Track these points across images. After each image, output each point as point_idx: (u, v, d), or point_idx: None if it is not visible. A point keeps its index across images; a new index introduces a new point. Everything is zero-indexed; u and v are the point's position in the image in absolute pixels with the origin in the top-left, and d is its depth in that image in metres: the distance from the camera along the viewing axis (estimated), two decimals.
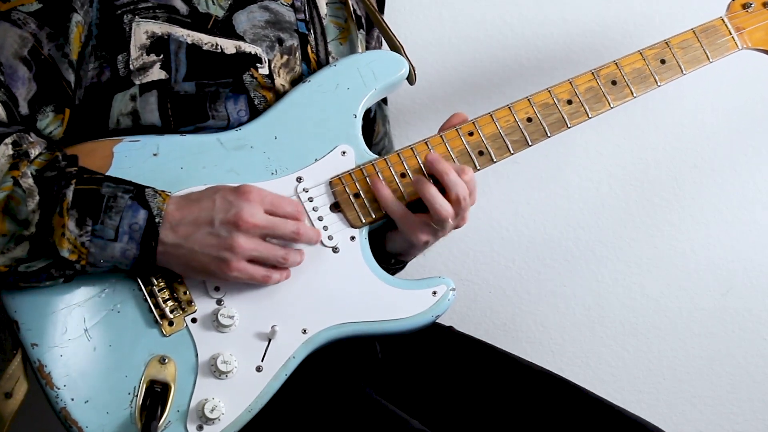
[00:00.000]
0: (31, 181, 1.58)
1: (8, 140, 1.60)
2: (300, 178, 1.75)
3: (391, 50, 1.93)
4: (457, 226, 1.80)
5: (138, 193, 1.62)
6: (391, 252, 1.88)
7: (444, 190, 1.75)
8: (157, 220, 1.61)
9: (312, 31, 1.88)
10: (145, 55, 1.70)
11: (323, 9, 1.93)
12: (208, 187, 1.68)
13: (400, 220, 1.77)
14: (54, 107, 1.68)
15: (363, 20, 2.03)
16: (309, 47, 1.86)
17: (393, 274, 1.90)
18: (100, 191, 1.60)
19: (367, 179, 1.77)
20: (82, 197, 1.59)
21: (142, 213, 1.61)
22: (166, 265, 1.65)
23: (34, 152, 1.61)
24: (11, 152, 1.59)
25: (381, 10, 2.11)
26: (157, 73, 1.71)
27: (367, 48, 2.05)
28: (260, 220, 1.63)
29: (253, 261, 1.65)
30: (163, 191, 1.65)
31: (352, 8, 1.99)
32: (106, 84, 1.70)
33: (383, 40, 2.05)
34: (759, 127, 2.48)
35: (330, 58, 1.91)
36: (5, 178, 1.57)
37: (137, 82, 1.70)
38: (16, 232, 1.57)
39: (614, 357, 2.55)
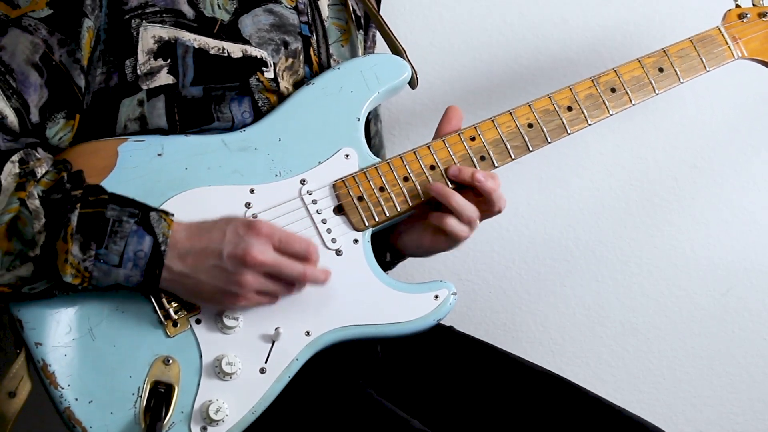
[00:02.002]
0: (37, 202, 1.57)
1: (15, 158, 1.59)
2: (304, 181, 1.75)
3: (393, 54, 1.93)
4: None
5: (143, 217, 1.61)
6: (402, 250, 1.90)
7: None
8: (162, 248, 1.61)
9: (314, 33, 1.88)
10: (152, 59, 1.70)
11: (325, 11, 1.93)
12: (222, 217, 1.66)
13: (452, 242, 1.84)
14: (65, 113, 1.68)
15: (362, 20, 2.03)
16: (311, 50, 1.87)
17: (387, 269, 1.91)
18: (105, 214, 1.60)
19: (366, 174, 1.78)
20: (86, 221, 1.58)
21: (148, 240, 1.60)
22: (171, 290, 1.64)
23: (40, 171, 1.60)
24: (18, 171, 1.58)
25: (377, 6, 2.12)
26: (164, 78, 1.71)
27: (364, 49, 2.05)
28: (268, 258, 1.62)
29: (259, 292, 1.66)
30: (167, 215, 1.64)
31: (351, 9, 1.99)
32: (113, 89, 1.70)
33: (378, 41, 2.05)
34: (759, 127, 2.48)
35: (332, 61, 1.91)
36: (12, 199, 1.57)
37: (145, 87, 1.70)
38: (22, 250, 1.56)
39: (614, 357, 2.55)
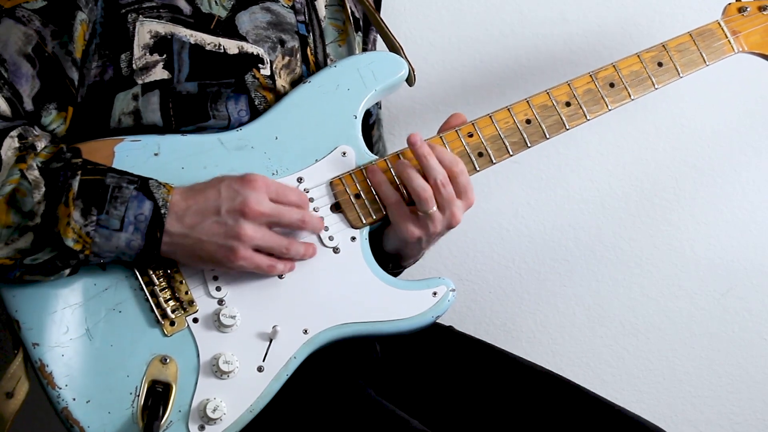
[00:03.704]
0: (37, 173, 1.58)
1: (14, 133, 1.60)
2: (301, 179, 1.75)
3: (391, 51, 1.93)
4: (449, 226, 1.77)
5: (142, 184, 1.62)
6: (388, 252, 1.88)
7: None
8: (162, 211, 1.61)
9: (311, 33, 1.89)
10: (148, 54, 1.71)
11: (322, 11, 1.93)
12: (212, 177, 1.68)
13: (392, 208, 1.76)
14: (57, 105, 1.68)
15: (360, 22, 2.03)
16: (308, 49, 1.87)
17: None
18: (105, 181, 1.60)
19: (363, 172, 1.78)
20: (87, 187, 1.59)
21: (148, 204, 1.61)
22: (171, 255, 1.65)
23: (40, 145, 1.61)
24: (17, 145, 1.59)
25: (377, 8, 2.11)
26: (159, 73, 1.71)
27: (364, 50, 2.05)
28: (266, 208, 1.64)
29: (258, 250, 1.65)
30: (167, 183, 1.65)
31: (350, 10, 1.99)
32: (108, 83, 1.71)
33: (378, 43, 2.05)
34: (759, 127, 2.48)
35: (328, 61, 1.91)
36: (12, 170, 1.57)
37: (140, 82, 1.70)
38: (20, 223, 1.56)
39: (614, 357, 2.55)
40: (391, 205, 1.76)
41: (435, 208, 1.74)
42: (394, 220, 1.77)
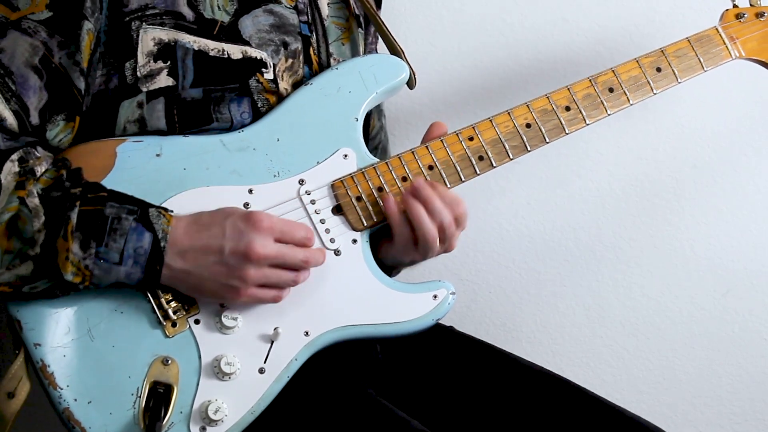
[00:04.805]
0: (36, 200, 1.58)
1: (15, 156, 1.59)
2: (302, 181, 1.76)
3: (392, 54, 1.94)
4: (445, 251, 1.81)
5: (142, 213, 1.62)
6: (385, 264, 1.88)
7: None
8: (162, 244, 1.61)
9: (314, 32, 1.89)
10: (152, 62, 1.70)
11: (325, 10, 1.93)
12: (218, 209, 1.67)
13: (400, 236, 1.78)
14: (65, 115, 1.67)
15: (361, 18, 2.04)
16: (311, 49, 1.87)
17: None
18: (104, 212, 1.60)
19: (364, 174, 1.78)
20: (86, 219, 1.59)
21: (147, 236, 1.61)
22: (172, 285, 1.65)
23: (40, 169, 1.60)
24: (17, 169, 1.58)
25: (378, 6, 2.12)
26: (164, 80, 1.71)
27: (365, 46, 2.05)
28: (270, 251, 1.63)
29: (262, 285, 1.66)
30: (167, 211, 1.64)
31: (353, 7, 1.99)
32: (113, 91, 1.71)
33: (380, 40, 2.05)
34: (759, 127, 2.48)
35: (331, 60, 1.91)
36: (11, 198, 1.57)
37: (144, 89, 1.70)
38: (21, 248, 1.56)
39: (614, 357, 2.55)
40: (401, 239, 1.78)
41: (438, 245, 1.78)
42: (398, 249, 1.80)
